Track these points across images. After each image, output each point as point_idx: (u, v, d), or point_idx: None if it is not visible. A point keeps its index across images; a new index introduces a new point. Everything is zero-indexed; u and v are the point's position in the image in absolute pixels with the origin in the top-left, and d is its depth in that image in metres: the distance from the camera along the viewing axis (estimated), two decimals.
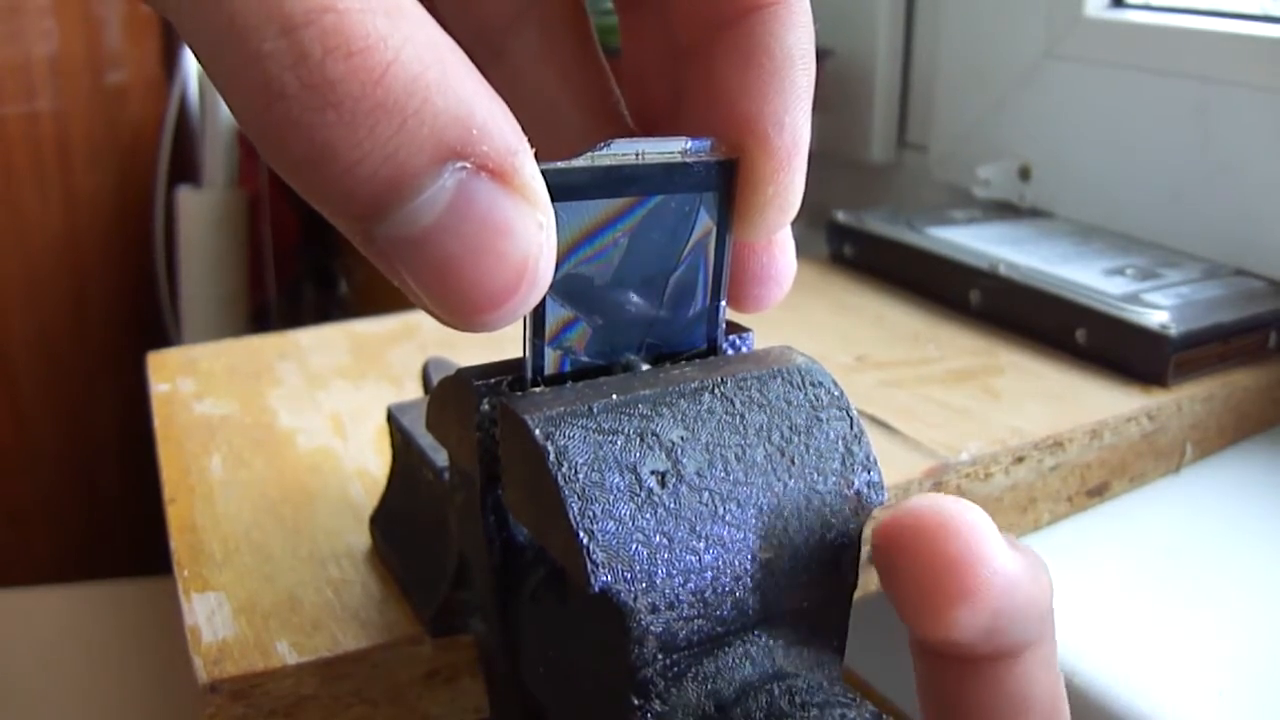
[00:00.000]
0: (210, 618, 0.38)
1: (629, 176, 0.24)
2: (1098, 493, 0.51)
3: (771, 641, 0.26)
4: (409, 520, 0.40)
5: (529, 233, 0.19)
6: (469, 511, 0.31)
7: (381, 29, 0.17)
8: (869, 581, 0.44)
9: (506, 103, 0.21)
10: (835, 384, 0.27)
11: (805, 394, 0.26)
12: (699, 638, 0.25)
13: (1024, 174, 0.80)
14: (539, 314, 0.25)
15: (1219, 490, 0.53)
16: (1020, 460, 0.48)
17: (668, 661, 0.25)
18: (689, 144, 0.25)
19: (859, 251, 0.74)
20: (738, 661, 0.25)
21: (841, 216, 0.75)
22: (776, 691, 0.25)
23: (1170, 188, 0.70)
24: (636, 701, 0.25)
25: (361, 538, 0.42)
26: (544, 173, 0.20)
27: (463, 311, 0.19)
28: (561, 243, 0.22)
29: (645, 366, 0.27)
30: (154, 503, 0.46)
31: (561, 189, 0.22)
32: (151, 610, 0.98)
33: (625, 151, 0.24)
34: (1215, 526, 0.50)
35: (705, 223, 0.26)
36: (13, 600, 1.03)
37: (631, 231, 0.25)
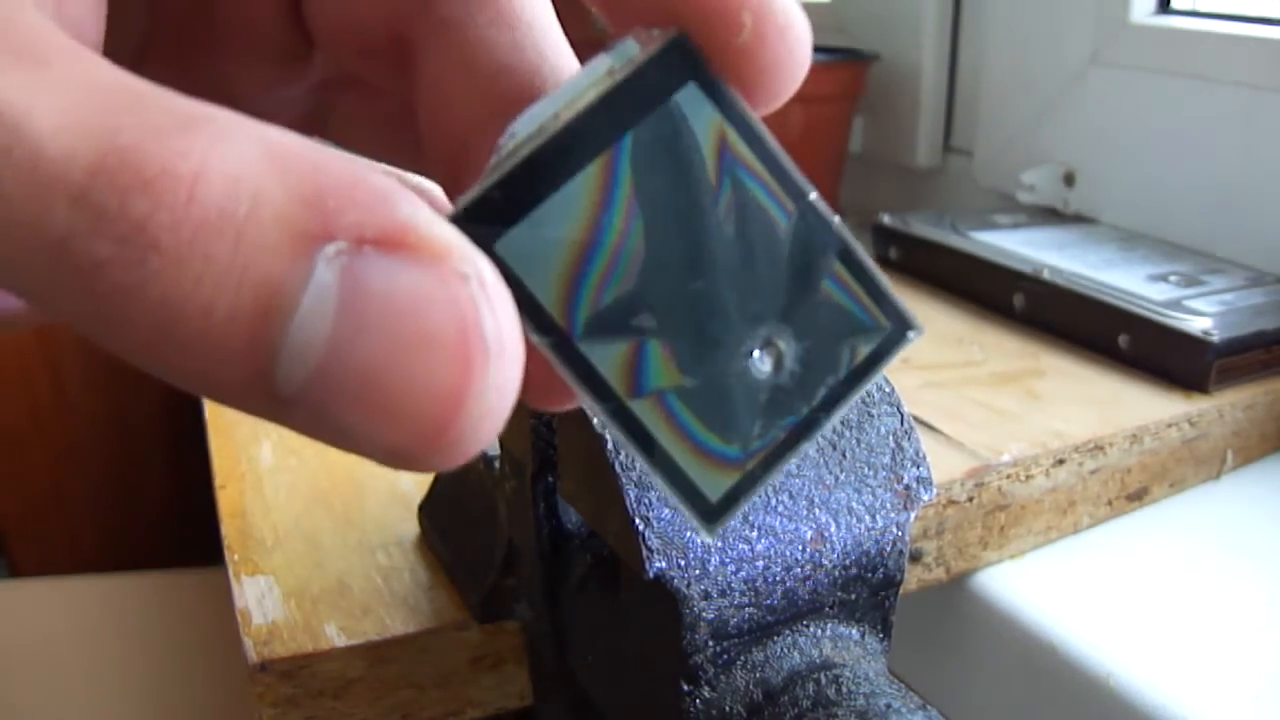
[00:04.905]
0: (260, 600, 0.38)
1: (569, 145, 0.17)
2: (1137, 497, 0.52)
3: (819, 632, 0.26)
4: (458, 508, 0.40)
5: (451, 292, 0.14)
6: (519, 499, 0.32)
7: (173, 143, 0.14)
8: (907, 579, 0.45)
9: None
10: (887, 381, 0.27)
11: None
12: (749, 626, 0.25)
13: (1068, 180, 0.80)
14: (585, 374, 0.18)
15: (1259, 498, 0.53)
16: (1061, 463, 0.48)
17: (718, 649, 0.25)
18: (608, 57, 0.18)
19: (904, 254, 0.74)
20: (786, 650, 0.26)
21: (887, 219, 0.75)
22: (823, 680, 0.25)
23: (1215, 195, 0.70)
24: (686, 688, 0.25)
25: (410, 527, 0.43)
26: (458, 216, 0.16)
27: (430, 433, 0.15)
28: (550, 276, 0.17)
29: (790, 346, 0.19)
30: (197, 496, 0.47)
31: (494, 217, 0.17)
32: (194, 601, 0.99)
33: (538, 121, 0.17)
34: (1255, 533, 0.50)
35: (707, 123, 0.18)
36: (56, 588, 1.04)
37: (633, 198, 0.18)
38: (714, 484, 0.18)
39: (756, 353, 0.19)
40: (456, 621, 0.38)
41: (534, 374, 0.16)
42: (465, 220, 0.16)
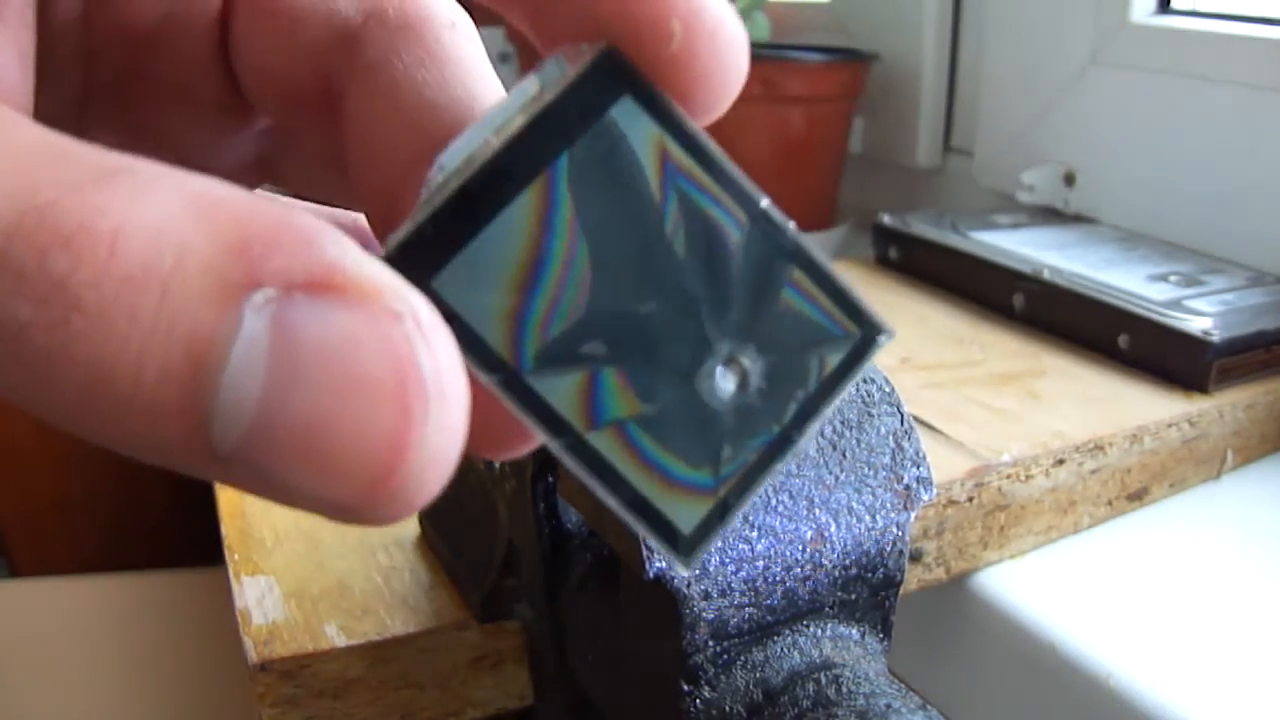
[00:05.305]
0: (260, 601, 0.38)
1: (501, 172, 0.16)
2: (1138, 497, 0.52)
3: (819, 632, 0.26)
4: (458, 508, 0.40)
5: (383, 332, 0.14)
6: (519, 499, 0.32)
7: (92, 198, 0.14)
8: (908, 579, 0.45)
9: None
10: (887, 380, 0.27)
11: (857, 389, 0.27)
12: (749, 626, 0.25)
13: (1069, 179, 0.80)
14: (538, 409, 0.17)
15: (1260, 498, 0.53)
16: (1061, 463, 0.48)
17: (718, 649, 0.25)
18: (536, 77, 0.17)
19: (904, 254, 0.74)
20: (786, 650, 0.26)
21: (887, 219, 0.75)
22: (824, 680, 0.25)
23: (1216, 195, 0.70)
24: (686, 688, 0.25)
25: (410, 526, 0.43)
26: (391, 255, 0.15)
27: (372, 485, 0.14)
28: (493, 310, 0.16)
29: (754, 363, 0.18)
30: (197, 496, 0.47)
31: (429, 253, 0.16)
32: (194, 601, 0.99)
33: (466, 151, 0.17)
34: (1255, 534, 0.50)
35: (646, 136, 0.17)
36: (56, 588, 1.04)
37: (574, 221, 0.17)
38: (686, 514, 0.17)
39: (719, 372, 0.17)
40: (456, 621, 0.38)
41: (484, 421, 0.16)
42: (399, 259, 0.15)
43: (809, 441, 0.22)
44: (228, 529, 0.43)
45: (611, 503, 0.17)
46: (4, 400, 0.14)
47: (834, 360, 0.18)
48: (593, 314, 0.17)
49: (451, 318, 0.15)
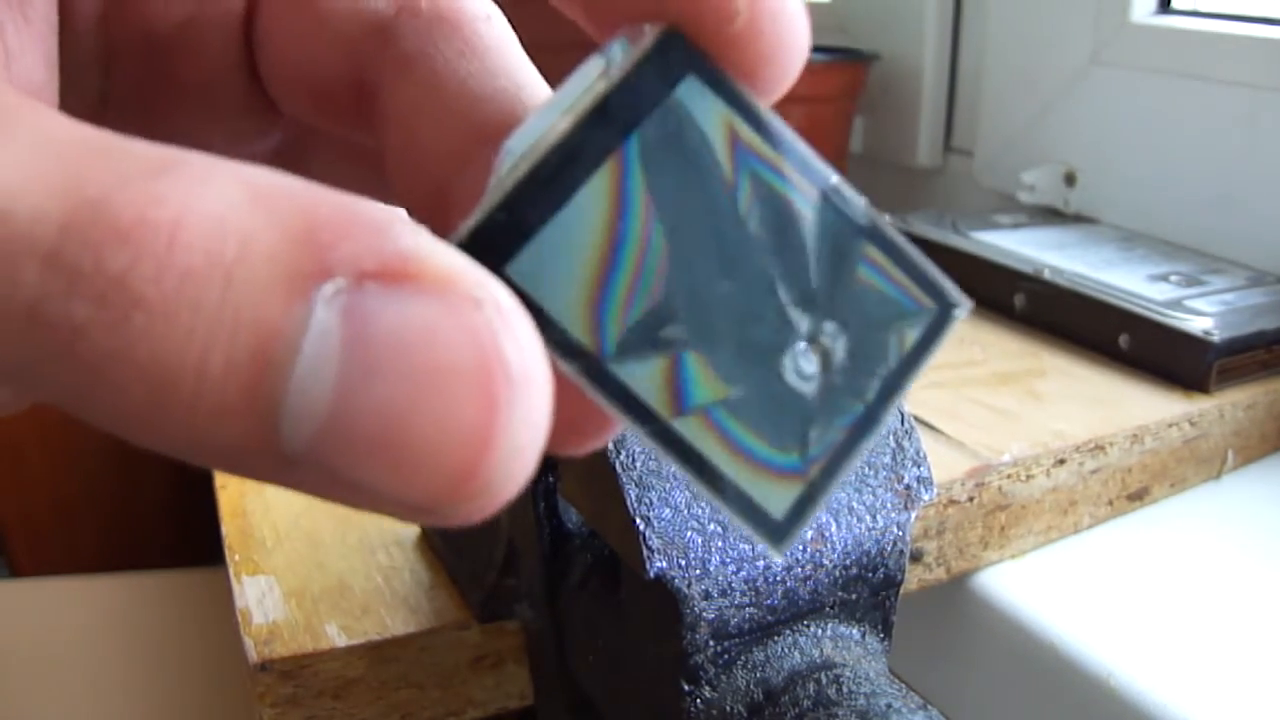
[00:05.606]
0: (261, 600, 0.38)
1: (571, 154, 0.16)
2: (1138, 497, 0.52)
3: (820, 632, 0.26)
4: None
5: (464, 320, 0.13)
6: (519, 499, 0.32)
7: (148, 190, 0.13)
8: (908, 579, 0.45)
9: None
10: None
11: None
12: (750, 626, 0.25)
13: (1069, 179, 0.80)
14: (621, 397, 0.16)
15: (1260, 497, 0.53)
16: (1062, 463, 0.48)
17: (719, 649, 0.25)
18: (600, 58, 0.17)
19: None
20: (786, 650, 0.26)
21: (887, 219, 0.74)
22: (824, 680, 0.25)
23: (1216, 195, 0.70)
24: (687, 687, 0.25)
25: (410, 527, 0.43)
26: (463, 242, 0.15)
27: (456, 480, 0.13)
28: (571, 296, 0.15)
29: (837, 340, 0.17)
30: (197, 496, 0.47)
31: (502, 240, 0.15)
32: (194, 601, 0.99)
33: (533, 135, 0.16)
34: (1256, 534, 0.50)
35: (714, 116, 0.17)
36: (56, 588, 1.04)
37: (649, 203, 0.16)
38: (777, 499, 0.17)
39: (801, 351, 0.17)
40: (457, 621, 0.38)
41: (561, 412, 0.15)
42: (471, 247, 0.15)
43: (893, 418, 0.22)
44: (228, 529, 0.43)
45: (701, 490, 0.16)
46: (57, 407, 0.14)
47: (913, 335, 0.18)
48: (672, 296, 0.16)
49: (528, 304, 0.15)
